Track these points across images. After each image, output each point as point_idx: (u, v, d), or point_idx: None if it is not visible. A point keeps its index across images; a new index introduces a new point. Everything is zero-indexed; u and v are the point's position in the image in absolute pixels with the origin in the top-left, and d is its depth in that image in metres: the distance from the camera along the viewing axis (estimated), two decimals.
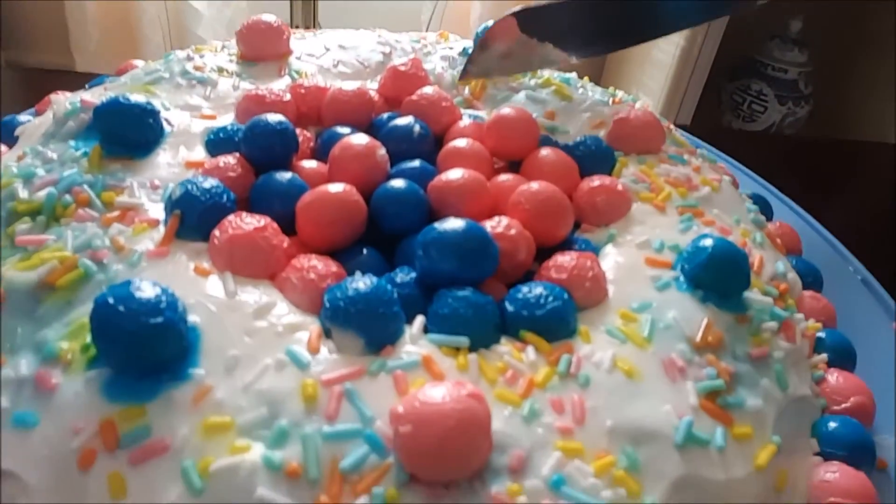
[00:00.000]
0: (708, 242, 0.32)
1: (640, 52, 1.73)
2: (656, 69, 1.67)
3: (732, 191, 0.41)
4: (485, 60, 0.44)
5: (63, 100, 0.41)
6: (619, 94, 0.48)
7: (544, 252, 0.34)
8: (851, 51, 1.82)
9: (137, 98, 0.36)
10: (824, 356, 0.35)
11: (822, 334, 0.36)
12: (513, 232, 0.32)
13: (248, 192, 0.35)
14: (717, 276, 0.32)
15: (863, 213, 0.70)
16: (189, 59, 0.44)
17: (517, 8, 0.42)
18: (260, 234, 0.30)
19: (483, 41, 0.43)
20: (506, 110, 0.39)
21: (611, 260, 0.34)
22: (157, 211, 0.32)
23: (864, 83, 1.77)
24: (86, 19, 1.75)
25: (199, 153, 0.37)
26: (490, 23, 0.48)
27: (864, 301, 0.43)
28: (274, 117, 0.36)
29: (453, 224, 0.30)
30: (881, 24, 1.64)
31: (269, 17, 0.44)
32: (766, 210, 0.46)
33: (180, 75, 0.42)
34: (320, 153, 0.39)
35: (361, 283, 0.28)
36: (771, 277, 0.36)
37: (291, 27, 1.50)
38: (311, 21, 1.60)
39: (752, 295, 0.33)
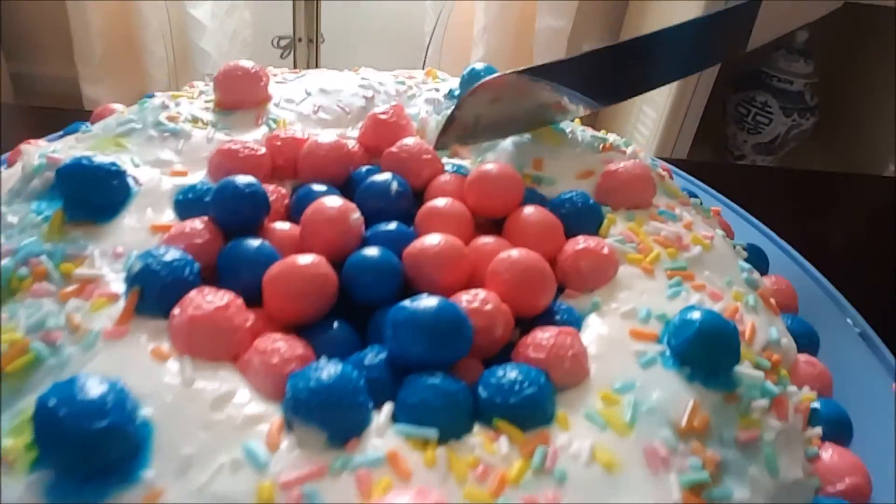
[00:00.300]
0: (696, 315, 0.31)
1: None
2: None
3: (725, 247, 0.39)
4: (465, 125, 0.42)
5: (34, 151, 0.40)
6: (611, 137, 0.46)
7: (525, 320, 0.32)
8: (858, 62, 1.80)
9: (102, 159, 0.34)
10: (818, 430, 0.33)
11: (816, 404, 0.35)
12: (489, 308, 0.30)
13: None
14: (704, 353, 0.30)
15: (861, 247, 0.68)
16: (164, 107, 0.42)
17: (518, 69, 0.40)
18: (221, 314, 0.28)
19: (464, 102, 0.41)
20: (488, 166, 0.37)
21: (594, 332, 0.32)
22: (118, 283, 0.31)
23: (871, 95, 1.75)
24: (89, 31, 1.75)
25: (168, 215, 0.35)
26: (478, 65, 0.46)
27: (862, 357, 0.42)
28: (243, 179, 0.34)
29: (425, 303, 0.28)
30: (888, 35, 1.62)
31: (247, 64, 0.43)
32: (761, 262, 0.44)
33: (153, 126, 0.40)
34: (295, 212, 0.37)
35: (325, 371, 0.26)
36: (763, 346, 0.34)
37: (295, 38, 1.50)
38: (313, 32, 1.59)
39: (743, 369, 0.31)
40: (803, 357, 0.37)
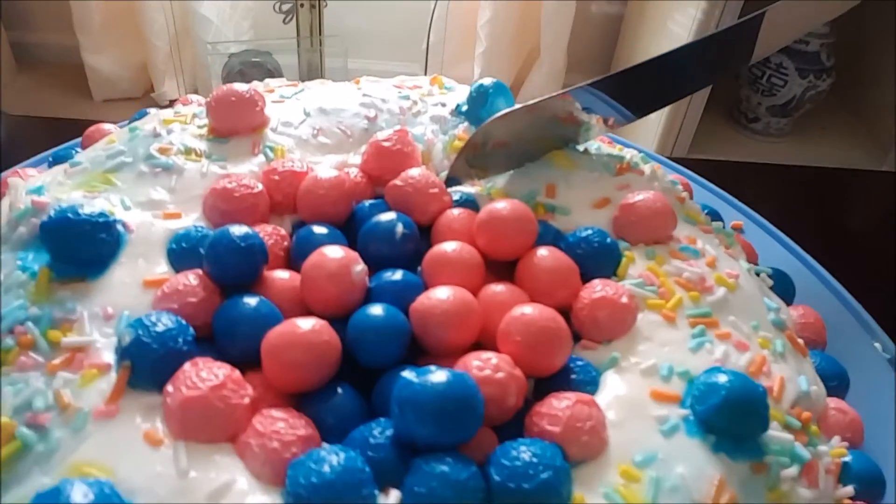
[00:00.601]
0: (722, 380, 0.29)
1: (655, 25, 1.66)
2: (672, 42, 1.60)
3: (751, 285, 0.37)
4: (480, 158, 0.40)
5: (20, 187, 0.38)
6: (627, 155, 0.44)
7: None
8: (876, 20, 1.74)
9: (90, 209, 0.32)
10: (850, 490, 0.32)
11: (848, 458, 0.33)
12: (501, 376, 0.28)
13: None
14: (732, 422, 0.28)
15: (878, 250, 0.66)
16: (156, 135, 0.40)
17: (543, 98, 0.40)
18: (217, 393, 0.27)
19: (479, 136, 0.40)
20: (500, 205, 0.35)
21: (612, 393, 0.30)
22: (109, 350, 0.29)
23: (889, 54, 1.70)
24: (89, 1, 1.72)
25: (161, 266, 0.33)
26: (486, 81, 0.44)
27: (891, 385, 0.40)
28: (239, 231, 0.32)
29: (433, 379, 0.26)
30: None
31: (241, 87, 0.40)
32: (787, 290, 0.42)
33: (144, 160, 0.38)
34: (295, 255, 0.35)
35: (328, 464, 0.25)
36: (793, 402, 0.32)
37: (297, 2, 1.45)
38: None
39: (772, 433, 0.29)
40: (833, 403, 0.35)
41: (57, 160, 0.45)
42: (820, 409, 0.34)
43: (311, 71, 1.58)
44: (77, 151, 0.46)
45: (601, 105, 0.41)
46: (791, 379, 0.33)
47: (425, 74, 1.71)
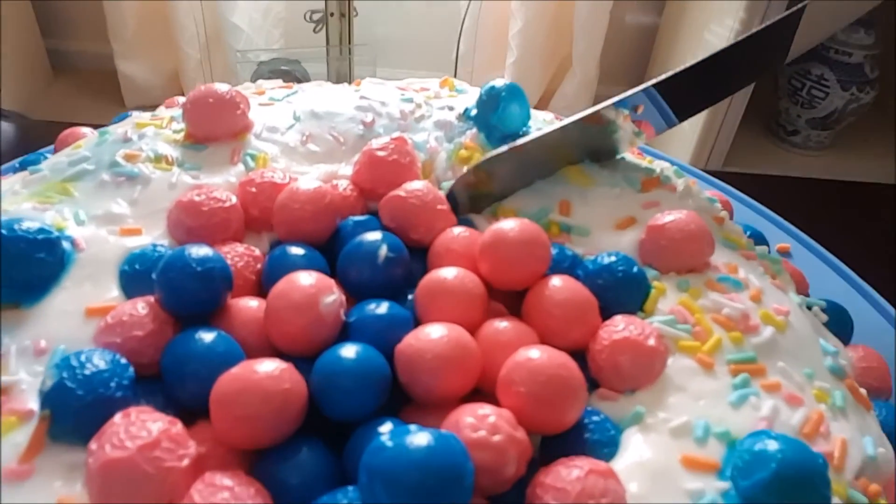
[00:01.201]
0: (772, 448, 0.23)
1: (691, 35, 1.60)
2: (708, 53, 1.54)
3: (803, 324, 0.31)
4: (485, 197, 0.36)
5: None
6: (657, 169, 0.38)
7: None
8: None
9: (29, 224, 0.28)
10: None
11: None
12: (498, 439, 0.23)
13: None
14: (784, 502, 0.23)
15: None
16: (125, 140, 0.36)
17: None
18: (146, 454, 0.22)
19: (480, 174, 0.35)
20: (507, 225, 0.30)
21: (634, 458, 0.25)
22: (35, 392, 0.25)
23: None
24: (122, 8, 1.73)
25: (111, 291, 0.29)
26: (497, 82, 0.39)
27: None
28: (198, 252, 0.27)
29: (411, 443, 0.21)
30: None
31: (221, 87, 0.36)
32: (845, 328, 0.36)
33: (107, 168, 0.34)
34: (267, 280, 0.30)
35: None
36: (858, 471, 0.26)
37: (327, 12, 1.44)
38: (346, 7, 1.52)
39: None
40: None
41: (24, 166, 0.41)
42: (889, 476, 0.28)
43: (340, 79, 1.56)
44: (47, 157, 0.42)
45: (642, 111, 0.37)
46: (854, 441, 0.27)
47: None
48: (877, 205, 0.66)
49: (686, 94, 0.38)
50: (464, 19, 1.68)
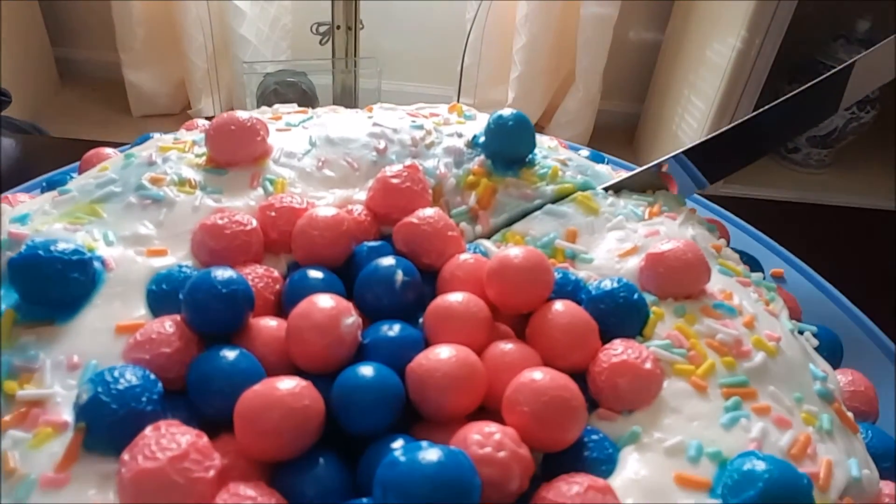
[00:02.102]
0: (760, 468, 0.25)
1: (693, 53, 1.62)
2: (710, 72, 1.57)
3: (794, 349, 0.33)
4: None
5: (7, 213, 0.36)
6: (658, 201, 0.40)
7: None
8: None
9: (64, 246, 0.30)
10: None
11: None
12: (503, 455, 0.25)
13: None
14: None
15: None
16: (150, 163, 0.37)
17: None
18: (176, 465, 0.23)
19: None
20: (513, 252, 0.32)
21: (630, 475, 0.26)
22: (69, 405, 0.26)
23: None
24: (131, 18, 1.76)
25: (139, 310, 0.31)
26: (505, 111, 0.40)
27: None
28: (222, 274, 0.29)
29: (423, 458, 0.23)
30: None
31: (243, 115, 0.38)
32: (834, 353, 0.38)
33: (134, 191, 0.36)
34: (287, 301, 0.32)
35: None
36: (842, 491, 0.28)
37: (333, 24, 1.46)
38: (352, 19, 1.55)
39: None
40: (888, 488, 0.31)
41: (51, 186, 0.43)
42: (872, 497, 0.30)
43: (345, 92, 1.58)
44: (72, 177, 0.43)
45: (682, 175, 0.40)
46: (840, 463, 0.29)
47: (458, 98, 1.70)
48: (875, 230, 0.67)
49: (727, 155, 0.40)
50: (469, 33, 1.71)
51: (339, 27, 1.58)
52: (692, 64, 1.64)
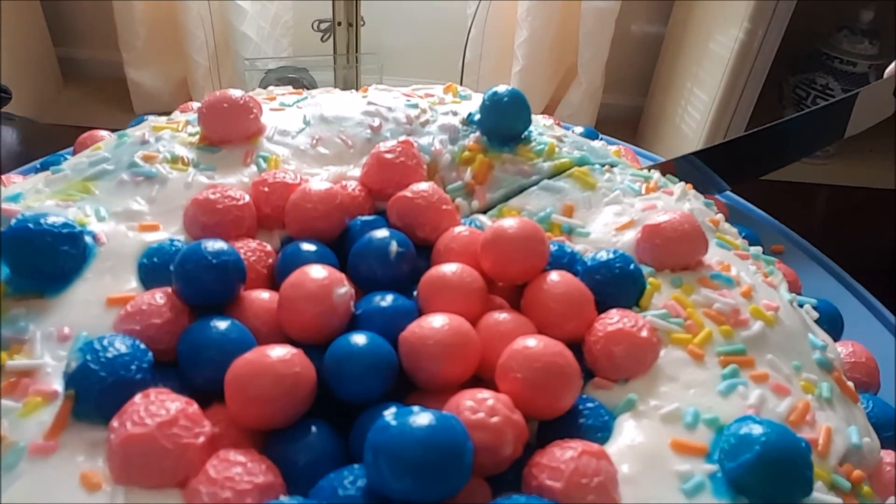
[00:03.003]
0: (757, 432, 0.25)
1: (696, 46, 1.62)
2: (713, 64, 1.56)
3: (793, 319, 0.32)
4: None
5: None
6: (654, 176, 0.40)
7: None
8: None
9: (54, 219, 0.30)
10: None
11: None
12: (496, 420, 0.24)
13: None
14: (768, 483, 0.24)
15: None
16: (143, 142, 0.37)
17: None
18: (165, 431, 0.23)
19: None
20: (507, 223, 0.31)
21: (626, 441, 0.26)
22: (59, 375, 0.26)
23: None
24: (133, 17, 1.76)
25: (130, 283, 0.30)
26: (500, 88, 0.40)
27: None
28: (213, 246, 0.29)
29: (413, 422, 0.23)
30: None
31: (235, 93, 0.38)
32: (835, 325, 0.37)
33: (126, 168, 0.35)
34: (280, 275, 0.32)
35: None
36: (841, 458, 0.27)
37: (335, 21, 1.46)
38: (353, 16, 1.55)
39: (816, 496, 0.25)
40: (888, 457, 0.30)
41: (45, 167, 0.43)
42: (873, 465, 0.29)
43: (347, 87, 1.58)
44: (66, 159, 0.43)
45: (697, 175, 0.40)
46: (839, 430, 0.28)
47: None
48: (876, 209, 0.67)
49: (743, 160, 0.42)
50: (470, 28, 1.70)
51: (340, 23, 1.58)
52: (695, 56, 1.63)
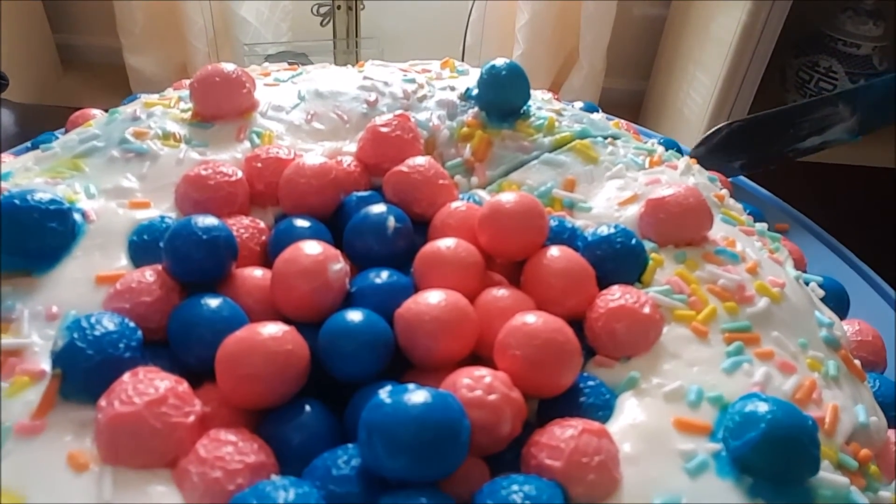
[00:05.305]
0: (762, 409, 0.24)
1: (698, 28, 1.60)
2: (716, 46, 1.54)
3: (799, 296, 0.32)
4: None
5: None
6: (658, 150, 0.39)
7: None
8: None
9: (41, 196, 0.29)
10: None
11: None
12: (494, 398, 0.24)
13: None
14: (773, 462, 0.23)
15: None
16: (134, 118, 0.37)
17: None
18: (153, 410, 0.23)
19: None
20: (506, 197, 0.31)
21: (628, 420, 0.25)
22: (46, 354, 0.26)
23: None
24: (131, 3, 1.74)
25: (120, 260, 0.30)
26: (498, 61, 0.39)
27: None
28: (203, 222, 0.28)
29: (408, 400, 0.22)
30: None
31: (228, 67, 0.37)
32: (841, 304, 0.37)
33: (117, 145, 0.35)
34: (273, 252, 0.31)
35: (273, 502, 0.20)
36: (848, 436, 0.27)
37: (334, 4, 1.45)
38: (353, 1, 1.53)
39: (822, 475, 0.24)
40: (895, 436, 0.30)
41: (36, 146, 0.42)
42: (880, 444, 0.29)
43: None
44: (57, 137, 0.42)
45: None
46: (846, 408, 0.28)
47: None
48: (878, 187, 0.66)
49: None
50: (470, 12, 1.69)
51: (339, 7, 1.56)
52: (697, 39, 1.61)
